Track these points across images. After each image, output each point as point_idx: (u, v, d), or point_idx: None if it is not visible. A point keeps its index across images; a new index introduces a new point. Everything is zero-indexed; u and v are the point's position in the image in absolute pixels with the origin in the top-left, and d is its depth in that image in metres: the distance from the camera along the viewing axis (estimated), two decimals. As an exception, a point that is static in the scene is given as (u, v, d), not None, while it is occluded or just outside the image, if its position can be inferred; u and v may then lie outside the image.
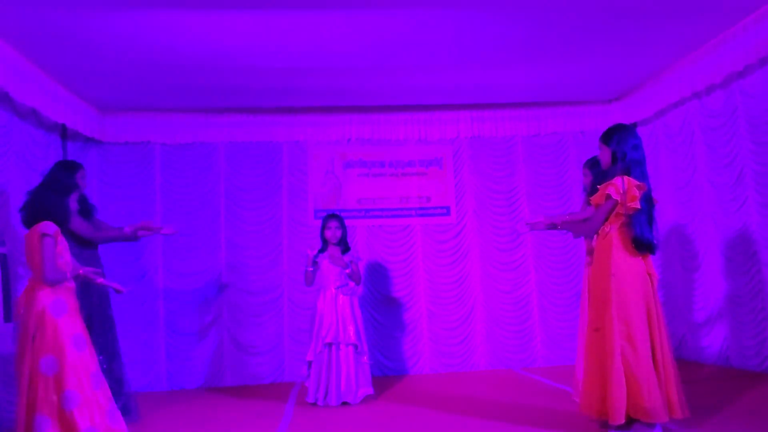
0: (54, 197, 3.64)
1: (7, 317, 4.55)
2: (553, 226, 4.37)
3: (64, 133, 5.94)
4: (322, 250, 5.29)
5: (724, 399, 4.35)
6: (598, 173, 4.35)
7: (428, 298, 6.80)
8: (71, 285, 3.61)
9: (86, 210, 4.71)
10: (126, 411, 4.37)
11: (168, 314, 6.42)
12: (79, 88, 5.73)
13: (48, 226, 3.53)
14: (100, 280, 3.95)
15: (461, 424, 4.14)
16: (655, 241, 3.64)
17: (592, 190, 4.30)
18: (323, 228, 5.34)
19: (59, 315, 3.45)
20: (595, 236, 3.83)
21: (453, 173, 6.98)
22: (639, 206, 3.57)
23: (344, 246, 5.34)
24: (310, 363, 5.13)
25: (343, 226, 5.34)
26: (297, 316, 6.56)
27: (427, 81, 6.01)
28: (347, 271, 5.22)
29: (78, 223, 4.47)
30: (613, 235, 3.63)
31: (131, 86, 5.80)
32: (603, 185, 3.68)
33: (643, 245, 3.59)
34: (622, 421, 3.44)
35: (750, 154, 5.24)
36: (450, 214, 6.93)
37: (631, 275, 3.58)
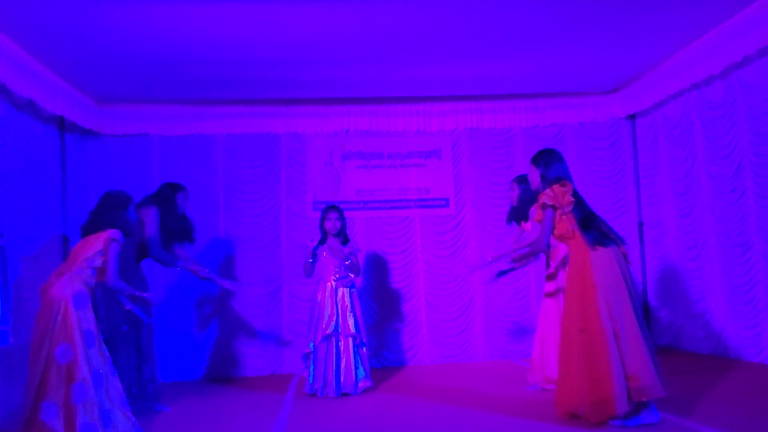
0: (114, 212, 3.86)
1: (6, 309, 4.55)
2: (512, 263, 4.73)
3: (62, 125, 5.93)
4: (321, 242, 5.29)
5: (720, 389, 4.37)
6: (525, 189, 4.88)
7: (427, 290, 6.81)
8: (91, 283, 3.70)
9: (181, 232, 4.76)
10: (145, 411, 4.46)
11: (167, 306, 6.42)
12: (77, 80, 5.71)
13: (118, 234, 3.76)
14: (130, 306, 4.12)
15: (460, 415, 4.16)
16: (606, 230, 3.80)
17: (518, 205, 5.00)
18: (322, 219, 5.34)
19: (80, 308, 3.55)
20: (565, 243, 3.96)
21: (452, 165, 6.97)
22: (572, 198, 3.76)
23: (344, 237, 5.34)
24: (308, 354, 5.14)
25: (342, 218, 5.34)
26: (296, 307, 6.57)
27: (426, 72, 5.99)
28: (347, 263, 5.23)
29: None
30: (578, 233, 3.77)
31: (129, 78, 5.78)
32: (536, 205, 3.95)
33: (588, 225, 3.76)
34: (628, 408, 3.50)
35: (749, 145, 5.24)
36: (449, 206, 6.93)
37: (608, 264, 3.69)
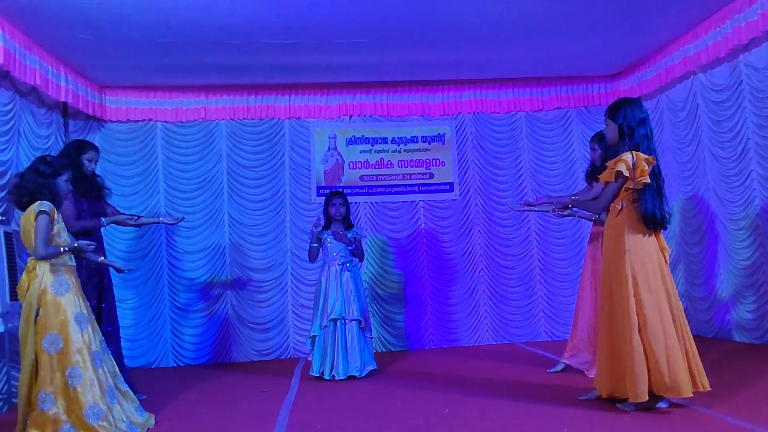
0: (41, 179, 3.58)
1: (13, 295, 4.58)
2: (564, 207, 4.27)
3: (65, 111, 5.93)
4: (326, 227, 5.30)
5: (728, 372, 4.38)
6: (607, 147, 4.23)
7: (432, 274, 6.83)
8: (72, 263, 3.62)
9: (88, 190, 4.64)
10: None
11: (173, 292, 6.47)
12: (80, 66, 5.71)
13: (44, 204, 3.52)
14: (100, 259, 3.99)
15: (465, 398, 4.19)
16: (667, 216, 3.60)
17: (601, 165, 4.21)
18: (327, 205, 5.34)
19: (62, 294, 3.47)
20: (605, 214, 3.77)
21: (456, 150, 6.96)
22: (649, 181, 3.53)
23: (348, 223, 5.35)
24: (313, 338, 5.17)
25: (346, 203, 5.35)
26: (301, 292, 6.60)
27: (430, 56, 5.97)
28: (351, 248, 5.25)
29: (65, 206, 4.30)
30: (624, 211, 3.57)
31: (132, 64, 5.77)
32: (612, 161, 3.60)
33: (652, 221, 3.54)
34: (645, 398, 3.40)
35: (754, 127, 5.22)
36: (453, 191, 6.92)
37: (645, 251, 3.54)
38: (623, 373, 3.49)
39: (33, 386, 3.40)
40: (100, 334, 3.69)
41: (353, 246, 5.27)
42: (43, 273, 3.48)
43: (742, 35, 4.98)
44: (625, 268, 3.51)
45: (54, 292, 3.45)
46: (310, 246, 5.30)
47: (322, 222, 5.32)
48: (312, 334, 5.21)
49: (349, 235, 5.28)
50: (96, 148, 4.74)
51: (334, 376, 5.01)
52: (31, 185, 3.55)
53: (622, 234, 3.55)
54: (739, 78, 5.32)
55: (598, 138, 4.68)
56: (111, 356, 3.73)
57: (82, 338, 3.47)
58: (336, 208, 5.29)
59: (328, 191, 5.60)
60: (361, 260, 5.45)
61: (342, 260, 5.22)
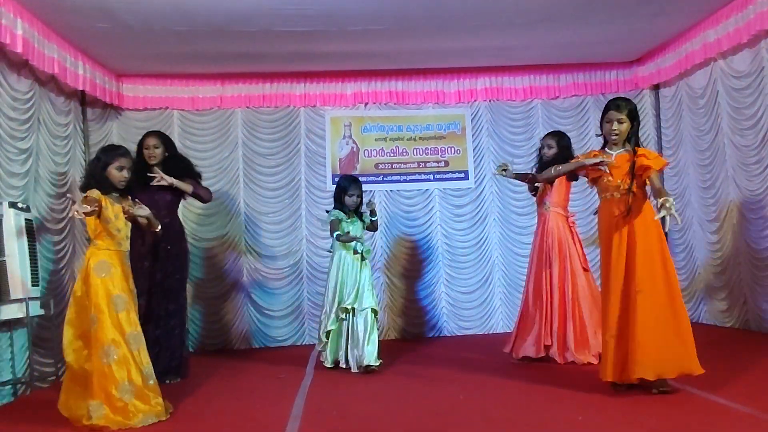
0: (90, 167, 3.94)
1: (35, 281, 4.66)
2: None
3: (83, 99, 5.98)
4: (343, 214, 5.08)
5: (743, 362, 4.35)
6: (563, 147, 4.93)
7: (446, 262, 6.83)
8: (120, 249, 3.71)
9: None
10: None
11: (189, 279, 6.51)
12: (98, 55, 5.75)
13: (93, 192, 3.70)
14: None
15: (479, 386, 4.20)
16: None
17: (548, 162, 4.80)
18: (342, 192, 5.05)
19: (100, 275, 3.60)
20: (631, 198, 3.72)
21: (471, 137, 6.93)
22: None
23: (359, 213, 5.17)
24: (328, 332, 5.00)
25: (361, 194, 5.14)
26: (316, 279, 6.63)
27: (446, 44, 5.93)
28: (369, 211, 5.12)
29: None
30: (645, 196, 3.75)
31: (149, 53, 5.80)
32: (653, 153, 3.84)
33: None
34: (614, 380, 3.67)
35: (775, 115, 5.14)
36: (468, 179, 6.90)
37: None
38: (688, 349, 3.56)
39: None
40: (138, 324, 3.72)
41: (369, 212, 5.10)
42: (90, 255, 3.66)
43: (764, 20, 4.89)
44: (663, 251, 3.68)
45: (95, 274, 3.59)
46: (331, 219, 5.07)
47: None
48: (328, 329, 5.01)
49: (367, 220, 5.14)
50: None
51: (347, 367, 4.93)
52: (87, 172, 3.90)
53: (652, 219, 3.65)
54: (761, 64, 5.23)
55: (558, 136, 5.04)
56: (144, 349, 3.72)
57: (119, 320, 3.57)
58: (353, 200, 5.07)
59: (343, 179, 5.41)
60: (375, 230, 5.43)
61: (361, 248, 4.98)
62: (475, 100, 6.93)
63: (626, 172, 3.72)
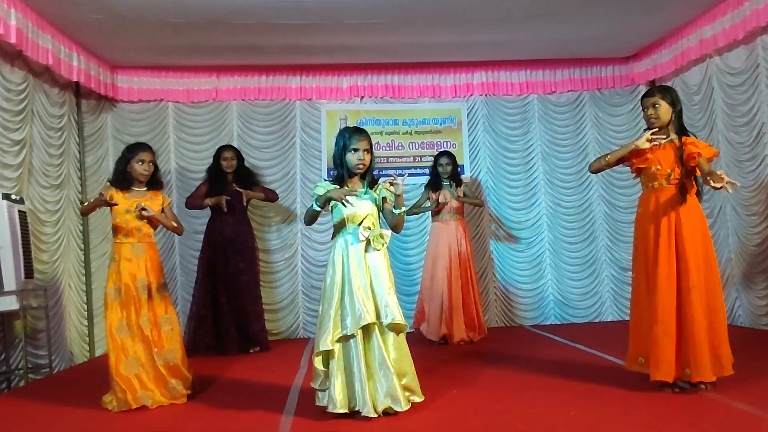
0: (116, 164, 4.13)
1: (28, 273, 4.66)
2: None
3: (78, 91, 5.95)
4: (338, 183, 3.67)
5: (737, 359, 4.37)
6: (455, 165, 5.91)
7: (441, 257, 6.82)
8: (123, 241, 3.89)
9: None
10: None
11: (184, 273, 6.52)
12: (92, 46, 5.72)
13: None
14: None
15: (478, 376, 4.22)
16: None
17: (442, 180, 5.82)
18: (343, 150, 3.58)
19: (108, 266, 3.96)
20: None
21: (467, 132, 6.93)
22: None
23: (370, 177, 3.71)
24: (325, 354, 3.29)
25: (371, 150, 4.45)
26: (311, 273, 6.63)
27: (442, 38, 5.92)
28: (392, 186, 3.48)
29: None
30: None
31: (144, 44, 5.77)
32: (702, 143, 3.70)
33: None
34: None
35: (770, 112, 5.15)
36: (464, 173, 6.90)
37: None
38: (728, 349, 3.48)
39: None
40: (143, 313, 3.85)
41: (395, 211, 3.46)
42: (109, 246, 4.17)
43: (760, 17, 4.90)
44: (708, 246, 3.59)
45: (108, 263, 3.99)
46: (311, 210, 3.44)
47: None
48: (322, 349, 3.25)
49: (383, 195, 3.47)
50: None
51: (367, 416, 3.19)
52: (114, 168, 4.12)
53: (700, 210, 3.63)
54: (756, 61, 5.24)
55: (454, 156, 5.94)
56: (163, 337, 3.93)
57: (118, 308, 3.81)
58: (358, 156, 3.41)
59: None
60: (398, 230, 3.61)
61: (371, 234, 3.41)
62: (472, 95, 6.93)
63: (675, 161, 3.62)
